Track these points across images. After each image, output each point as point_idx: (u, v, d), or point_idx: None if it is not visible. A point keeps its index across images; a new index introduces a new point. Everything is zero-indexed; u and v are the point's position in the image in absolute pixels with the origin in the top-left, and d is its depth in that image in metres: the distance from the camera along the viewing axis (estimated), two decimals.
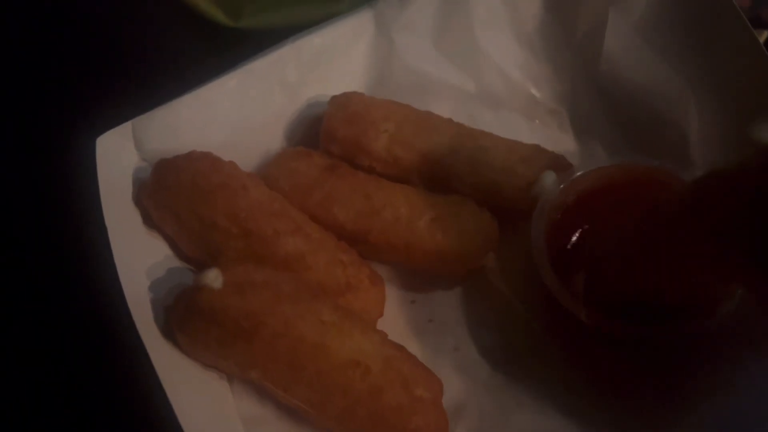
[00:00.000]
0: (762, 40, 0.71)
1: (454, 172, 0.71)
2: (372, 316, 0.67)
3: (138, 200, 0.67)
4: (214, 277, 0.59)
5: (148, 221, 0.67)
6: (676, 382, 0.63)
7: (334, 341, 0.59)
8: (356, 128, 0.72)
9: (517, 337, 0.69)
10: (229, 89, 0.72)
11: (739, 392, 0.59)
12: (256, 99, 0.74)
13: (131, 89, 0.78)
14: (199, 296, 0.59)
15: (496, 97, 0.80)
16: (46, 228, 0.75)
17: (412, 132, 0.72)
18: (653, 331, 0.62)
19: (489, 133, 0.74)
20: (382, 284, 0.68)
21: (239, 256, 0.64)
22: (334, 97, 0.74)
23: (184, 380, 0.59)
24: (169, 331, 0.61)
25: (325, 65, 0.76)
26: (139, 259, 0.65)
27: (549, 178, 0.69)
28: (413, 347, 0.64)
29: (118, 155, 0.67)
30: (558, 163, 0.72)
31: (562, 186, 0.68)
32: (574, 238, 0.66)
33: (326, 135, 0.73)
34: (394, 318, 0.69)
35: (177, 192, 0.65)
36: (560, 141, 0.79)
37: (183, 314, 0.60)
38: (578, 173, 0.69)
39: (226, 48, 0.83)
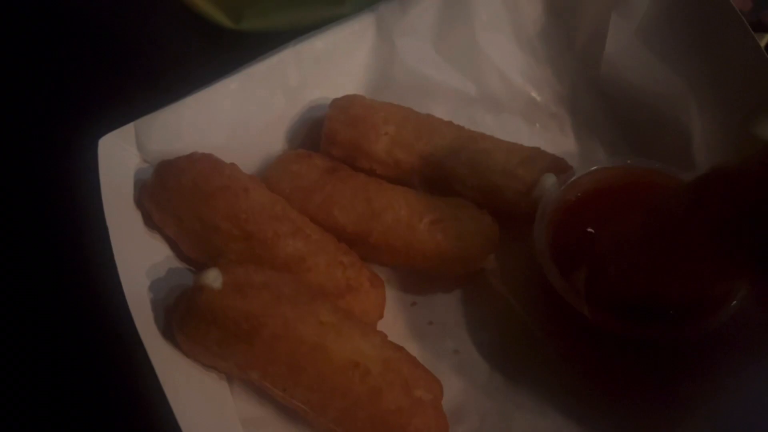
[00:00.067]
0: (763, 43, 0.72)
1: (454, 174, 0.71)
2: (372, 318, 0.67)
3: (139, 201, 0.67)
4: (213, 278, 0.60)
5: (149, 222, 0.67)
6: (676, 383, 0.63)
7: (333, 343, 0.59)
8: (357, 131, 0.72)
9: (517, 339, 0.69)
10: (231, 91, 0.73)
11: (740, 394, 0.58)
12: (257, 101, 0.74)
13: (133, 91, 0.78)
14: (199, 296, 0.59)
15: (496, 100, 0.81)
16: (47, 228, 0.75)
17: (412, 134, 0.72)
18: (655, 331, 0.62)
19: (489, 135, 0.74)
20: (382, 286, 0.68)
21: (240, 257, 0.64)
22: (335, 100, 0.74)
23: (183, 381, 0.59)
24: (168, 332, 0.61)
25: (326, 68, 0.77)
26: (140, 259, 0.65)
27: (549, 181, 0.69)
28: (413, 349, 0.64)
29: (120, 156, 0.68)
30: (558, 166, 0.72)
31: (564, 186, 0.68)
32: (576, 239, 0.66)
33: (327, 137, 0.73)
34: (394, 320, 0.69)
35: (178, 193, 0.65)
36: (561, 144, 0.79)
37: (183, 315, 0.60)
38: (579, 174, 0.69)
39: (227, 50, 0.83)
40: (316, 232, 0.67)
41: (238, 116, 0.73)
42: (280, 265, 0.65)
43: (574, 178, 0.69)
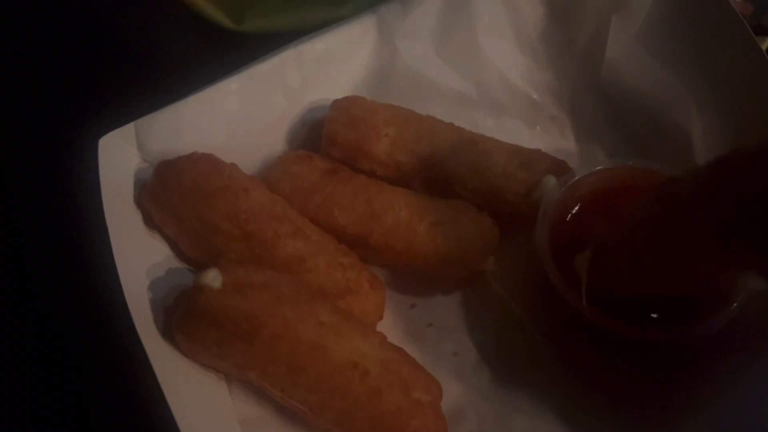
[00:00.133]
0: (764, 47, 0.72)
1: (454, 176, 0.71)
2: (371, 319, 0.67)
3: (139, 201, 0.67)
4: (213, 278, 0.59)
5: (149, 222, 0.67)
6: (676, 385, 0.63)
7: (333, 343, 0.59)
8: (357, 132, 0.72)
9: (517, 341, 0.69)
10: (232, 92, 0.73)
11: (740, 395, 0.58)
12: (258, 102, 0.74)
13: (134, 91, 0.78)
14: (199, 296, 0.59)
15: (497, 103, 0.81)
16: (47, 227, 0.75)
17: (413, 136, 0.72)
18: (655, 332, 0.62)
19: (490, 137, 0.74)
20: (382, 288, 0.68)
21: (240, 257, 0.64)
22: (335, 101, 0.74)
23: (182, 381, 0.59)
24: (168, 332, 0.61)
25: (327, 70, 0.77)
26: (140, 259, 0.65)
27: (550, 183, 0.69)
28: (412, 351, 0.63)
29: (120, 156, 0.68)
30: (558, 168, 0.72)
31: (564, 188, 0.68)
32: (577, 240, 0.66)
33: (327, 139, 0.73)
34: (394, 322, 0.69)
35: (178, 193, 0.65)
36: (562, 147, 0.79)
37: (182, 314, 0.60)
38: (580, 176, 0.69)
39: (228, 51, 0.83)
40: (316, 232, 0.67)
41: (238, 117, 0.73)
42: (280, 265, 0.64)
43: (574, 180, 0.69)
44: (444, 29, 0.79)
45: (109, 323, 0.61)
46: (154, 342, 0.59)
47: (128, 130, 0.68)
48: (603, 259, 0.61)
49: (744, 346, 0.61)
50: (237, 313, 0.58)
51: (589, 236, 0.63)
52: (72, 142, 0.67)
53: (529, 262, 0.68)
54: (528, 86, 0.82)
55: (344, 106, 0.73)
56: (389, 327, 0.68)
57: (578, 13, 0.80)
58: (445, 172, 0.72)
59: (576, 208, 0.67)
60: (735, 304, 0.61)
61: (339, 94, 0.75)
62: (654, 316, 0.62)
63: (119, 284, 0.60)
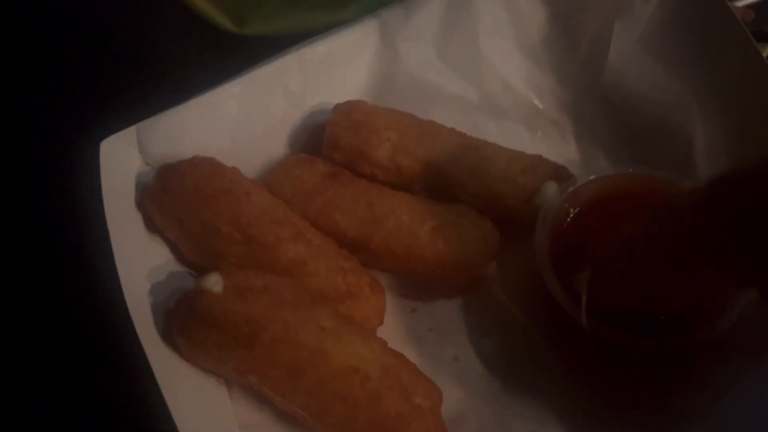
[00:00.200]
0: (765, 53, 0.72)
1: (456, 181, 0.71)
2: (372, 324, 0.67)
3: (141, 204, 0.67)
4: (214, 282, 0.59)
5: (150, 225, 0.67)
6: (677, 393, 0.63)
7: (333, 348, 0.59)
8: (359, 136, 0.72)
9: (518, 346, 0.69)
10: (234, 95, 0.73)
11: (739, 402, 0.58)
12: (259, 106, 0.74)
13: (136, 93, 0.78)
14: (200, 300, 0.59)
15: (499, 107, 0.81)
16: (48, 230, 0.74)
17: (414, 141, 0.72)
18: (655, 340, 0.62)
19: (491, 142, 0.74)
20: (383, 292, 0.68)
21: (241, 261, 0.64)
22: (337, 105, 0.74)
23: (182, 385, 0.59)
24: (168, 335, 0.61)
25: (328, 73, 0.77)
26: (141, 262, 0.65)
27: (550, 189, 0.69)
28: (413, 356, 0.64)
29: (122, 159, 0.68)
30: (559, 174, 0.72)
31: (564, 194, 0.68)
32: (576, 247, 0.66)
33: (329, 142, 0.73)
34: (394, 326, 0.69)
35: (180, 197, 0.65)
36: (563, 151, 0.79)
37: (183, 318, 0.60)
38: (580, 182, 0.69)
39: (230, 54, 0.84)
40: (317, 236, 0.67)
41: (240, 120, 0.73)
42: (281, 269, 0.64)
43: (575, 187, 0.69)
44: (446, 33, 0.80)
45: (109, 326, 0.61)
46: (154, 345, 0.59)
47: (130, 133, 0.68)
48: (602, 277, 0.61)
49: (743, 350, 0.61)
50: (238, 317, 0.58)
51: (589, 253, 0.63)
52: (73, 145, 0.67)
53: (530, 267, 0.68)
54: (530, 90, 0.82)
55: (346, 110, 0.73)
56: (390, 331, 0.68)
57: (580, 17, 0.80)
58: (447, 176, 0.72)
59: (576, 215, 0.67)
60: (734, 311, 0.60)
61: (341, 98, 0.75)
62: (653, 324, 0.62)
63: (120, 287, 0.60)
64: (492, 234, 0.69)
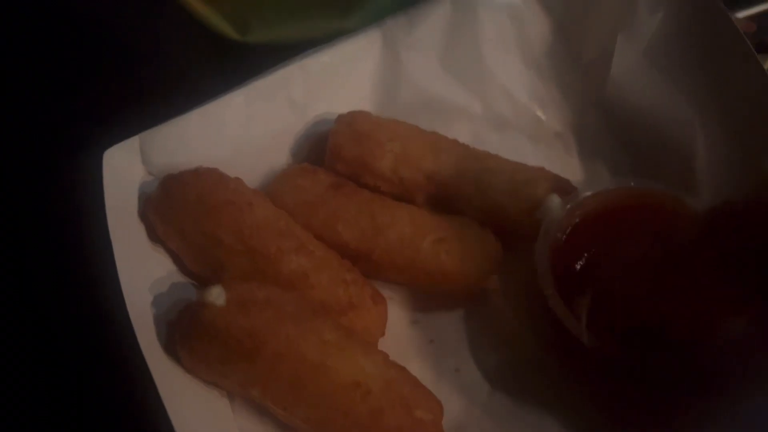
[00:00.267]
0: (766, 65, 0.72)
1: (458, 193, 0.71)
2: (373, 335, 0.67)
3: (143, 214, 0.68)
4: (217, 295, 0.60)
5: (153, 235, 0.67)
6: (679, 407, 0.63)
7: (335, 361, 0.59)
8: (362, 147, 0.72)
9: (519, 359, 0.68)
10: (237, 105, 0.73)
11: (741, 422, 0.58)
12: (263, 116, 0.74)
13: (139, 103, 0.78)
14: (202, 313, 0.59)
15: (502, 118, 0.81)
16: (51, 240, 0.75)
17: (417, 152, 0.72)
18: (656, 356, 0.62)
19: (494, 154, 0.74)
20: (385, 304, 0.68)
21: (243, 273, 0.64)
22: (340, 116, 0.74)
23: (184, 396, 0.59)
24: (170, 347, 0.61)
25: (332, 83, 0.77)
26: (143, 272, 0.65)
27: (553, 202, 0.69)
28: (414, 368, 0.63)
29: (125, 169, 0.68)
30: (562, 186, 0.72)
31: (567, 208, 0.68)
32: (578, 261, 0.66)
33: (332, 153, 0.73)
34: (396, 338, 0.69)
35: (183, 207, 0.65)
36: (565, 163, 0.79)
37: (186, 331, 0.60)
38: (583, 196, 0.69)
39: (234, 62, 0.84)
40: (320, 248, 0.67)
41: (243, 130, 0.73)
42: (283, 280, 0.64)
43: (577, 200, 0.69)
44: (449, 43, 0.80)
45: (111, 336, 0.61)
46: (156, 357, 0.59)
47: (133, 143, 0.69)
48: (604, 291, 0.61)
49: (746, 372, 0.61)
50: (240, 330, 0.58)
51: (590, 267, 0.63)
52: (77, 155, 0.68)
53: (532, 279, 0.68)
54: (532, 102, 0.82)
55: (349, 121, 0.73)
56: (391, 343, 0.68)
57: (584, 30, 0.80)
58: (449, 188, 0.72)
59: (578, 228, 0.67)
60: (736, 331, 0.61)
61: (344, 108, 0.75)
62: (656, 340, 0.62)
63: (122, 297, 0.60)
64: (494, 246, 0.69)
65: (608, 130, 0.79)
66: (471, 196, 0.71)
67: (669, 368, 0.64)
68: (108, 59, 0.86)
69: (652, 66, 0.75)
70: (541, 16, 0.81)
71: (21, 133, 0.82)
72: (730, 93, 0.71)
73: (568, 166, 0.78)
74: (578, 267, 0.66)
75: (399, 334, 0.70)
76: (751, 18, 0.90)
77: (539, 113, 0.82)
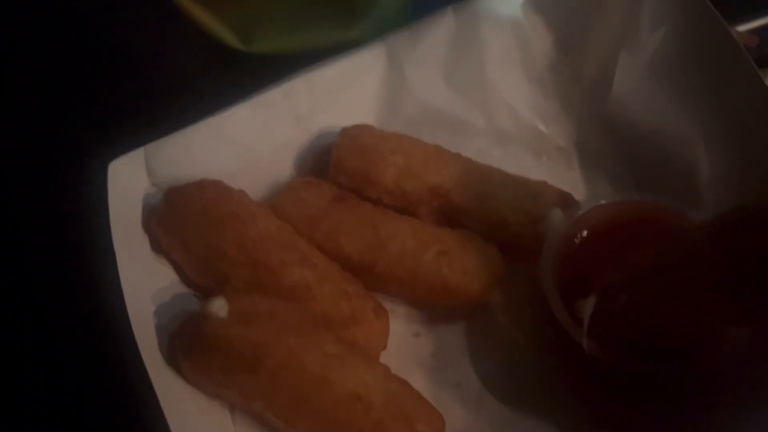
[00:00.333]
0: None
1: (461, 206, 0.72)
2: (375, 348, 0.67)
3: (147, 225, 0.68)
4: (219, 306, 0.60)
5: (156, 247, 0.68)
6: (681, 419, 0.63)
7: (337, 374, 0.59)
8: (365, 160, 0.72)
9: (522, 373, 0.68)
10: (242, 118, 0.73)
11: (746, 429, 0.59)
12: (267, 128, 0.74)
13: (144, 112, 0.79)
14: (205, 325, 0.59)
15: (504, 132, 0.81)
16: (54, 251, 0.75)
17: (420, 166, 0.73)
18: (661, 368, 0.62)
19: (497, 168, 0.74)
20: (387, 317, 0.68)
21: (246, 285, 0.65)
22: (344, 129, 0.75)
23: (186, 409, 0.59)
24: (172, 359, 0.61)
25: (336, 97, 0.77)
26: (146, 284, 0.65)
27: (556, 216, 0.69)
28: (416, 381, 0.64)
29: (130, 180, 0.68)
30: (564, 200, 0.72)
31: (570, 221, 0.68)
32: (581, 275, 0.66)
33: (335, 166, 0.74)
34: (398, 351, 0.69)
35: (187, 219, 0.66)
36: (567, 177, 0.79)
37: (188, 343, 0.60)
38: (585, 210, 0.69)
39: (238, 72, 0.84)
40: (322, 260, 0.68)
41: (247, 142, 0.74)
42: (286, 293, 0.65)
43: (580, 214, 0.69)
44: (453, 58, 0.80)
45: (113, 347, 0.61)
46: (158, 368, 0.60)
47: (138, 154, 0.69)
48: (607, 304, 0.61)
49: (751, 384, 0.61)
50: (242, 342, 0.59)
51: (594, 280, 0.64)
52: (82, 166, 0.68)
53: (535, 293, 0.68)
54: (535, 117, 0.82)
55: (353, 135, 0.74)
56: (393, 356, 0.68)
57: (586, 45, 0.81)
58: (452, 202, 0.72)
59: (581, 242, 0.68)
60: (739, 344, 0.61)
61: (348, 121, 0.76)
62: (661, 351, 0.62)
63: (125, 307, 0.60)
64: (497, 260, 0.70)
65: (610, 145, 0.80)
66: (473, 210, 0.71)
67: (671, 379, 0.64)
68: (114, 70, 0.87)
69: (655, 82, 0.75)
70: (544, 32, 0.82)
71: (26, 142, 0.83)
72: (732, 109, 0.71)
73: (571, 180, 0.79)
74: (582, 280, 0.66)
75: (401, 347, 0.70)
76: (753, 31, 0.90)
77: (542, 127, 0.82)
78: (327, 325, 0.63)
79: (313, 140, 0.78)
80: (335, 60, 0.77)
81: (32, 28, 0.90)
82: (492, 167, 0.74)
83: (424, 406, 0.61)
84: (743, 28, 0.89)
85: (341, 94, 0.77)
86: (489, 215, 0.71)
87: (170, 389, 0.59)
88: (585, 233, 0.68)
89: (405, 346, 0.70)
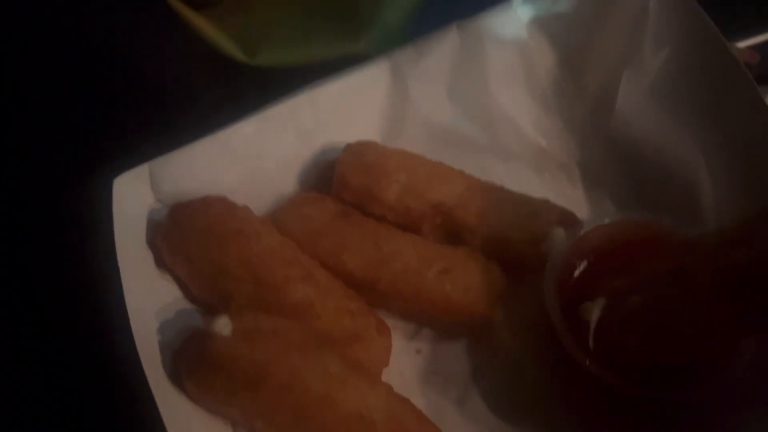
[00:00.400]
0: None
1: (464, 223, 0.72)
2: (377, 365, 0.67)
3: (152, 241, 0.68)
4: (223, 325, 0.60)
5: (161, 262, 0.68)
6: None
7: (339, 393, 0.59)
8: (369, 177, 0.73)
9: (523, 391, 0.69)
10: (246, 134, 0.73)
11: None
12: (272, 143, 0.75)
13: (149, 130, 0.79)
14: (209, 344, 0.59)
15: (507, 150, 0.81)
16: (59, 267, 0.75)
17: (423, 183, 0.73)
18: (663, 389, 0.62)
19: (500, 186, 0.75)
20: (389, 334, 0.68)
21: (249, 301, 0.65)
22: (348, 145, 0.75)
23: (188, 425, 0.59)
24: (175, 375, 0.61)
25: (340, 113, 0.77)
26: (150, 299, 0.65)
27: (558, 235, 0.69)
28: (417, 399, 0.64)
29: (135, 196, 0.68)
30: (566, 219, 0.73)
31: (572, 240, 0.68)
32: (583, 293, 0.66)
33: (339, 182, 0.74)
34: (400, 368, 0.69)
35: (191, 235, 0.66)
36: (569, 195, 0.79)
37: (192, 361, 0.60)
38: (587, 228, 0.69)
39: (242, 85, 0.84)
40: (325, 277, 0.68)
41: (252, 157, 0.74)
42: (289, 309, 0.65)
43: (582, 232, 0.69)
44: (457, 75, 0.80)
45: (117, 363, 0.61)
46: (161, 385, 0.60)
47: (143, 170, 0.69)
48: (610, 322, 0.62)
49: (753, 405, 0.61)
50: (246, 361, 0.59)
51: (602, 287, 0.64)
52: (88, 182, 0.68)
53: (537, 311, 0.68)
54: (538, 134, 0.82)
55: (357, 151, 0.74)
56: (395, 373, 0.68)
57: (590, 64, 0.81)
58: (455, 219, 0.72)
59: (583, 261, 0.68)
60: (744, 362, 0.61)
61: (352, 137, 0.76)
62: (662, 372, 0.62)
63: (128, 323, 0.60)
64: (499, 278, 0.70)
65: (613, 163, 0.80)
66: (476, 227, 0.71)
67: (676, 401, 0.64)
68: (118, 86, 0.87)
69: (657, 101, 0.76)
70: (547, 50, 0.82)
71: (31, 158, 0.83)
72: (733, 127, 0.71)
73: (573, 198, 0.79)
74: (584, 298, 0.66)
75: (403, 364, 0.70)
76: (754, 47, 0.90)
77: (544, 145, 0.82)
78: (330, 343, 0.63)
79: (317, 156, 0.78)
80: (340, 76, 0.77)
81: (38, 43, 0.90)
82: (495, 185, 0.75)
83: (425, 425, 0.61)
84: (744, 44, 0.89)
85: (346, 110, 0.77)
86: (491, 233, 0.71)
87: (173, 406, 0.59)
88: (588, 252, 0.68)
89: (407, 362, 0.70)
